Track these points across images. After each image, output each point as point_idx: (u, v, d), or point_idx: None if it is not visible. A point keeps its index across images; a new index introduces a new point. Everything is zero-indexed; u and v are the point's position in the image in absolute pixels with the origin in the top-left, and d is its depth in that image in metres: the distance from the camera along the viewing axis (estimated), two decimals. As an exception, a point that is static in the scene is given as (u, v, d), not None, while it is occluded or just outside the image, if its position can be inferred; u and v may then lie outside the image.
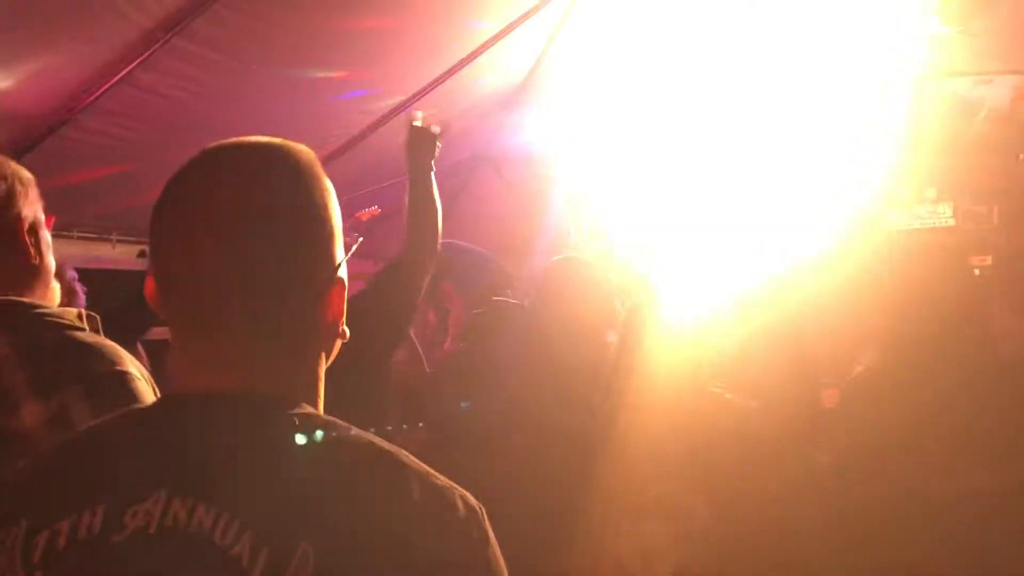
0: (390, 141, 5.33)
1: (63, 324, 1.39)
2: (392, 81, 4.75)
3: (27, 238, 1.49)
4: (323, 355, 0.95)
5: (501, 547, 0.87)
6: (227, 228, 0.86)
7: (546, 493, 2.22)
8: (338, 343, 0.97)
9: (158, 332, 3.83)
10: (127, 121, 3.75)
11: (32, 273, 1.49)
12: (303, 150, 0.95)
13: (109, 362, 1.37)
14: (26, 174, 1.54)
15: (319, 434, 0.86)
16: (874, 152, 4.20)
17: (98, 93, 3.45)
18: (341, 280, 0.93)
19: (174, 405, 0.91)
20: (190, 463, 0.84)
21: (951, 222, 4.24)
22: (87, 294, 3.84)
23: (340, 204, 0.95)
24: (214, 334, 0.89)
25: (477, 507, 0.86)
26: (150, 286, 0.91)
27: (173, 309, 0.90)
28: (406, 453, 0.87)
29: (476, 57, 4.69)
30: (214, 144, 0.94)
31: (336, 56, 4.15)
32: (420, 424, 2.83)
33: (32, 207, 1.53)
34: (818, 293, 3.20)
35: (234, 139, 0.94)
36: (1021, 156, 4.05)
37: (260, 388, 0.89)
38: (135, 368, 1.41)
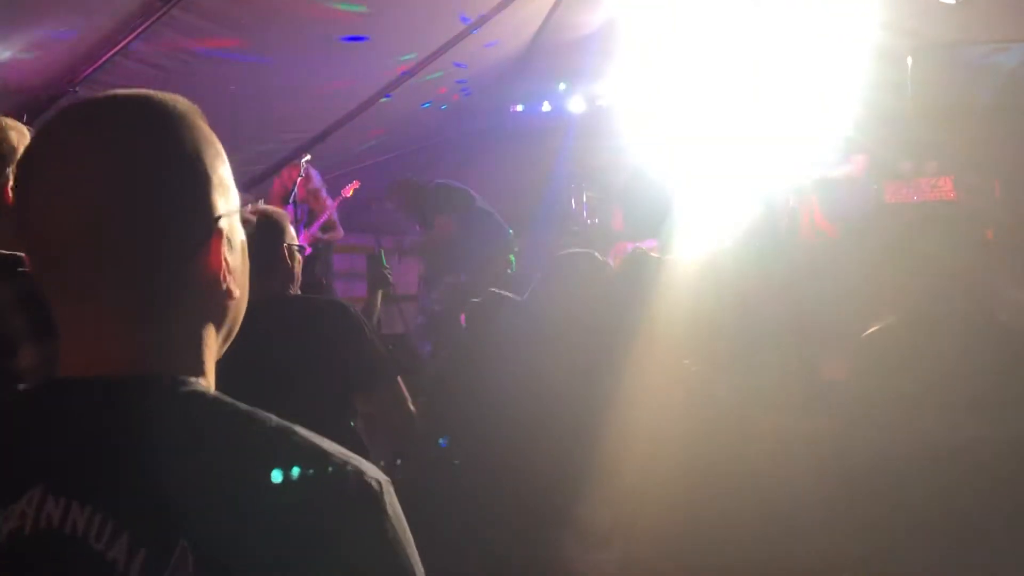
0: (388, 115, 5.34)
1: None
2: (397, 42, 4.72)
3: None
4: (209, 322, 0.86)
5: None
6: (80, 184, 0.78)
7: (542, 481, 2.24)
8: (230, 306, 0.87)
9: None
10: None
11: None
12: (177, 99, 0.85)
13: None
14: (15, 135, 1.52)
15: (202, 416, 0.79)
16: (875, 123, 4.18)
17: (97, 64, 3.45)
18: (220, 231, 0.83)
19: (50, 390, 0.82)
20: (65, 457, 0.77)
21: (952, 195, 4.24)
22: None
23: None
24: (82, 306, 0.80)
25: (376, 482, 0.77)
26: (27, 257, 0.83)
27: (41, 276, 0.81)
28: (302, 430, 0.79)
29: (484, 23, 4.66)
30: (79, 99, 0.85)
31: (335, 29, 4.14)
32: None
33: None
34: (813, 263, 3.21)
35: (100, 93, 0.84)
36: None
37: (139, 365, 0.81)
38: None
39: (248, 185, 5.07)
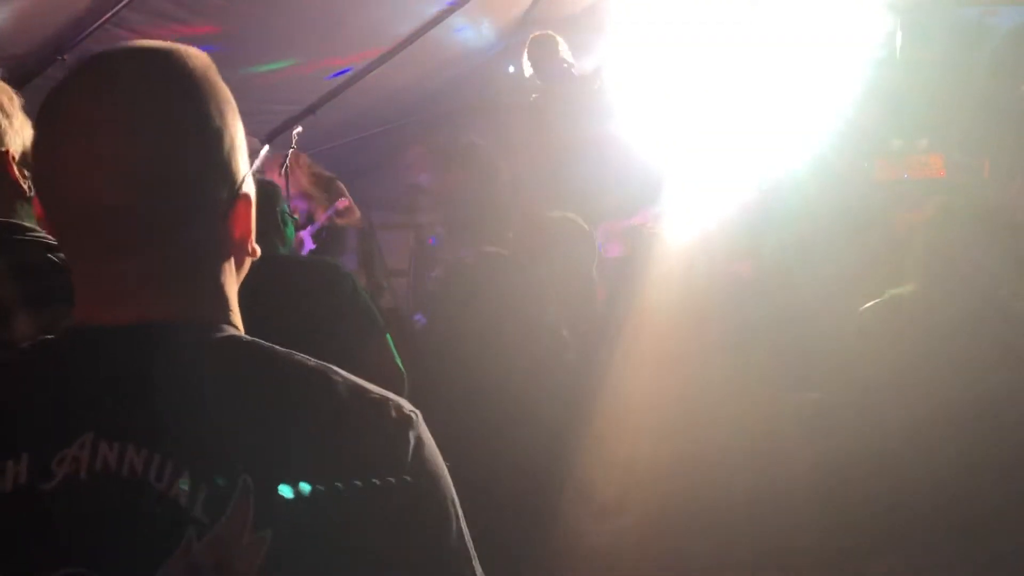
0: (378, 88, 5.31)
1: (58, 247, 1.39)
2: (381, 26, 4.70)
3: (16, 171, 1.47)
4: (232, 276, 0.89)
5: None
6: (113, 147, 0.78)
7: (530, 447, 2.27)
8: (248, 261, 0.91)
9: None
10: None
11: (26, 202, 1.48)
12: (197, 54, 0.86)
13: None
14: (6, 97, 1.49)
15: (243, 357, 0.83)
16: (867, 100, 4.19)
17: (85, 33, 3.40)
18: (247, 195, 0.87)
19: (87, 339, 0.83)
20: (113, 402, 0.79)
21: (942, 173, 4.25)
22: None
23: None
24: (115, 261, 0.82)
25: (412, 413, 0.83)
26: (38, 207, 0.85)
27: (67, 235, 0.84)
28: (337, 368, 0.84)
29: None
30: (99, 51, 0.85)
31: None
32: None
33: (19, 135, 1.50)
34: (803, 242, 3.22)
35: (121, 44, 0.86)
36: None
37: (175, 315, 0.83)
38: None
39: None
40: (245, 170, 0.87)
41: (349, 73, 4.93)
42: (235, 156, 0.85)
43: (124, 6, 3.32)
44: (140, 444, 0.77)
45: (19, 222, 1.40)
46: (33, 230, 1.41)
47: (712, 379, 2.30)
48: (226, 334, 0.85)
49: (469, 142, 5.08)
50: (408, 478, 0.79)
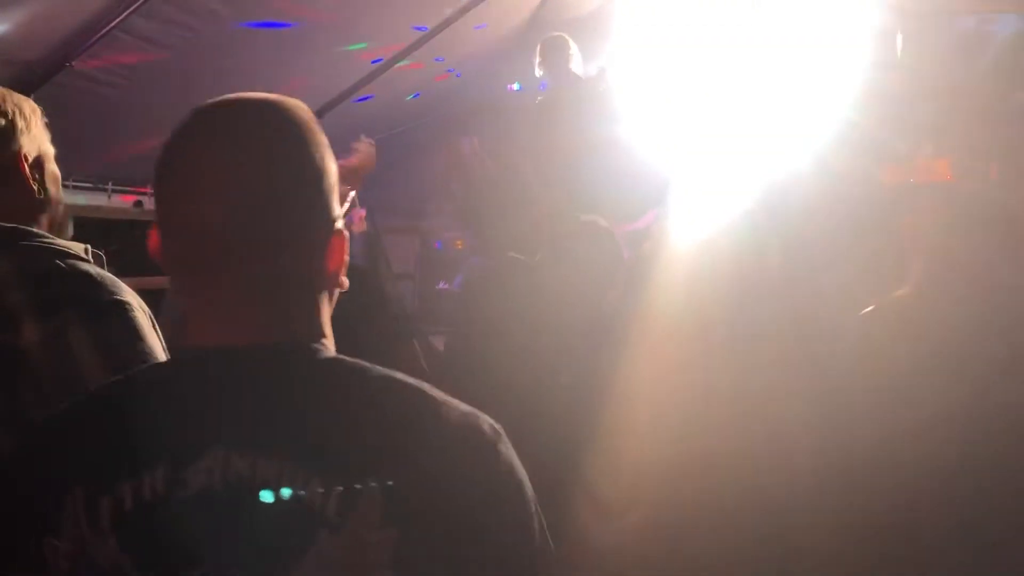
0: (388, 91, 5.32)
1: (66, 253, 1.40)
2: (391, 29, 4.71)
3: (29, 173, 1.48)
4: (328, 304, 0.99)
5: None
6: (228, 185, 0.89)
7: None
8: (336, 293, 1.00)
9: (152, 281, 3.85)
10: (123, 70, 3.71)
11: (36, 207, 1.49)
12: (299, 106, 0.97)
13: (108, 291, 1.38)
14: (29, 107, 1.52)
15: (351, 375, 0.92)
16: (870, 103, 4.19)
17: (95, 39, 3.42)
18: (341, 231, 0.97)
19: (206, 360, 0.92)
20: (239, 418, 0.88)
21: (948, 177, 4.24)
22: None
23: (337, 155, 1.00)
24: (230, 288, 0.91)
25: (499, 428, 0.94)
26: (154, 238, 0.94)
27: (180, 263, 0.93)
28: (427, 384, 0.94)
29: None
30: (211, 101, 0.95)
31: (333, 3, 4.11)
32: None
33: (35, 141, 1.52)
34: (808, 246, 3.22)
35: (230, 96, 0.95)
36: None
37: (284, 337, 0.93)
38: (134, 299, 1.41)
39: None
40: (338, 210, 0.98)
41: (358, 77, 4.94)
42: (332, 196, 0.97)
43: (133, 12, 3.33)
44: (269, 455, 0.85)
45: (27, 228, 1.41)
46: (42, 236, 1.42)
47: (718, 382, 2.30)
48: (331, 356, 0.95)
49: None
50: (504, 481, 0.91)
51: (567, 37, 4.89)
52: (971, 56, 4.22)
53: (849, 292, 2.82)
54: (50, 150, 1.54)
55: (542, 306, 2.66)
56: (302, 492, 0.84)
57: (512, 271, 2.84)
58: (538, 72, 4.93)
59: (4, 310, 1.29)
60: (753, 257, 3.03)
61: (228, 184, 0.89)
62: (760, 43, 4.64)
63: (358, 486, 0.84)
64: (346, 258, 0.98)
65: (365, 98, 5.12)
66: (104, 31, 3.39)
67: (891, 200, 4.07)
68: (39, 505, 0.88)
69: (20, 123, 1.48)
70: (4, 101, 1.49)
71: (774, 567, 2.10)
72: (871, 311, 2.34)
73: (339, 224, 0.97)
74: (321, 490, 0.84)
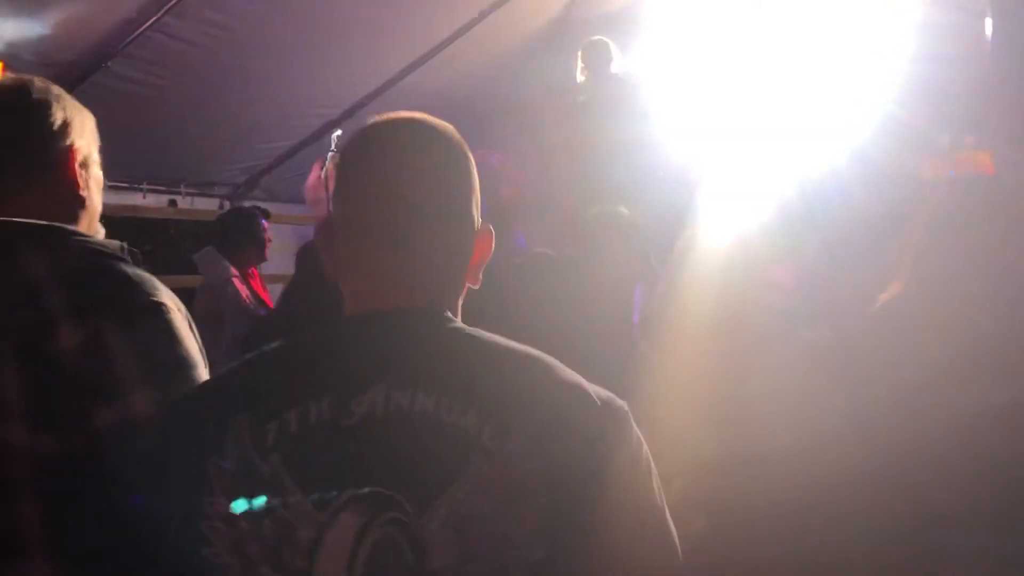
0: (413, 93, 5.32)
1: (104, 252, 1.38)
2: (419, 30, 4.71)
3: (78, 170, 1.48)
4: (465, 291, 1.11)
5: None
6: (413, 181, 1.05)
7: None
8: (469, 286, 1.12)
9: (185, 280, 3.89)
10: (158, 69, 3.75)
11: (79, 205, 1.49)
12: (450, 127, 1.12)
13: (146, 293, 1.36)
14: (86, 110, 1.53)
15: (488, 340, 1.02)
16: (912, 95, 4.11)
17: (129, 40, 3.45)
18: (487, 227, 1.11)
19: (372, 317, 1.04)
20: (400, 362, 0.98)
21: (990, 170, 4.15)
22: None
23: None
24: (407, 263, 1.04)
25: (603, 394, 1.01)
26: (324, 233, 1.08)
27: (360, 248, 1.05)
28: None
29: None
30: (377, 119, 1.10)
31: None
32: None
33: (86, 141, 1.52)
34: (846, 242, 3.17)
35: (390, 115, 1.10)
36: None
37: (436, 305, 1.05)
38: (171, 301, 1.40)
39: (278, 162, 5.07)
40: (477, 213, 1.11)
41: (386, 78, 4.95)
42: (476, 199, 1.11)
43: (167, 11, 3.37)
44: (429, 391, 0.94)
45: (64, 225, 1.40)
46: (78, 234, 1.41)
47: (753, 380, 2.27)
48: (458, 325, 1.05)
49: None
50: (628, 443, 0.98)
51: (607, 40, 4.89)
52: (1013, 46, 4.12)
53: (889, 288, 2.77)
54: (96, 155, 1.54)
55: (570, 301, 2.64)
56: (459, 420, 0.93)
57: (541, 266, 2.82)
58: (580, 77, 4.95)
59: (41, 313, 1.28)
60: (789, 255, 2.99)
61: (424, 170, 1.05)
62: (797, 36, 4.58)
63: (507, 423, 0.92)
64: (489, 254, 1.11)
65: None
66: (139, 31, 3.42)
67: (932, 194, 4.00)
68: (207, 430, 0.96)
69: (77, 122, 1.49)
70: (61, 98, 1.49)
71: (810, 567, 2.07)
72: (905, 305, 2.30)
73: (483, 224, 1.11)
74: (477, 419, 0.92)
